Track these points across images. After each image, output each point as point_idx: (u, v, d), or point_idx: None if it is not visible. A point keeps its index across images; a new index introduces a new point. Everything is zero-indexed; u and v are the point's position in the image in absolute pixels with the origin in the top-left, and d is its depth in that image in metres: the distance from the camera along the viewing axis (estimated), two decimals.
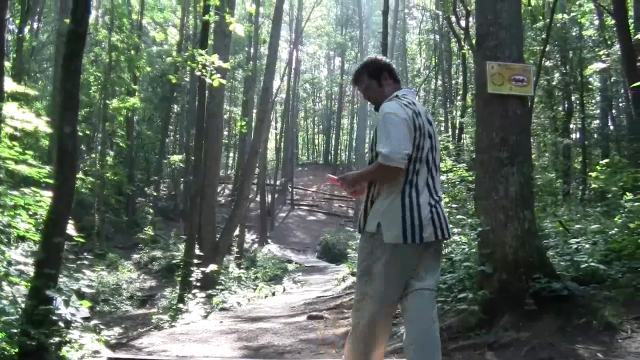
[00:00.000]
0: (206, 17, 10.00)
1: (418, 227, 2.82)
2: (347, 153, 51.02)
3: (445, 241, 3.27)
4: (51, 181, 4.96)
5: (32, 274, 4.58)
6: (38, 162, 5.47)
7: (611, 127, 18.02)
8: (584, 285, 4.46)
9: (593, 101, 17.93)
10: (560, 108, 16.67)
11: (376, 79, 3.13)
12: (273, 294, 13.11)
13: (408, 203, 2.84)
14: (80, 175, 17.49)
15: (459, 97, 18.19)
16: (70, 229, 4.85)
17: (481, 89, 4.95)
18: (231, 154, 42.35)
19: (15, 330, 4.15)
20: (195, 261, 9.91)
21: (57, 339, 4.31)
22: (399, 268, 2.89)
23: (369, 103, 3.29)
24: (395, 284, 2.90)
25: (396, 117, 2.82)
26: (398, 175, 2.82)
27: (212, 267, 10.59)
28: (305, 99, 52.43)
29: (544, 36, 12.40)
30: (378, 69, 3.15)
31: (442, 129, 24.63)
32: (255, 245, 24.25)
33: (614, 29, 11.20)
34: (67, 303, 4.61)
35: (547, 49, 12.60)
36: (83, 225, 16.97)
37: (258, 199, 27.28)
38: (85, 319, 5.27)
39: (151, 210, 24.88)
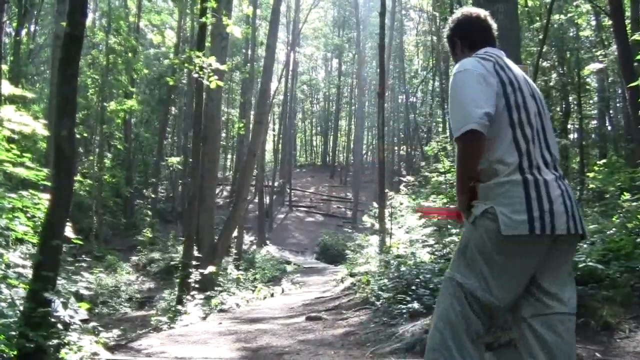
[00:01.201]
0: (203, 19, 10.00)
1: (549, 211, 2.02)
2: (345, 154, 51.07)
3: (580, 241, 2.33)
4: (49, 183, 4.96)
5: (30, 276, 4.58)
6: (36, 165, 5.47)
7: (609, 128, 18.11)
8: (582, 285, 4.45)
9: (590, 102, 18.00)
10: (558, 108, 16.73)
11: (451, 48, 2.57)
12: (272, 295, 13.08)
13: (531, 179, 2.06)
14: (78, 177, 17.48)
15: None
16: (69, 232, 4.86)
17: None
18: (229, 156, 42.31)
19: (13, 333, 4.16)
20: (194, 263, 9.90)
21: (55, 341, 4.32)
22: (516, 272, 2.10)
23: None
24: (511, 294, 2.13)
25: (465, 73, 2.17)
26: (481, 144, 2.06)
27: (211, 268, 10.59)
28: (302, 101, 52.47)
29: (541, 37, 12.45)
30: (450, 36, 2.57)
31: (440, 129, 24.68)
32: (254, 247, 24.19)
33: (611, 29, 11.24)
34: (65, 305, 4.61)
35: (544, 50, 12.65)
36: (81, 227, 16.95)
37: (256, 200, 27.22)
38: (84, 321, 5.27)
39: (149, 212, 24.84)
